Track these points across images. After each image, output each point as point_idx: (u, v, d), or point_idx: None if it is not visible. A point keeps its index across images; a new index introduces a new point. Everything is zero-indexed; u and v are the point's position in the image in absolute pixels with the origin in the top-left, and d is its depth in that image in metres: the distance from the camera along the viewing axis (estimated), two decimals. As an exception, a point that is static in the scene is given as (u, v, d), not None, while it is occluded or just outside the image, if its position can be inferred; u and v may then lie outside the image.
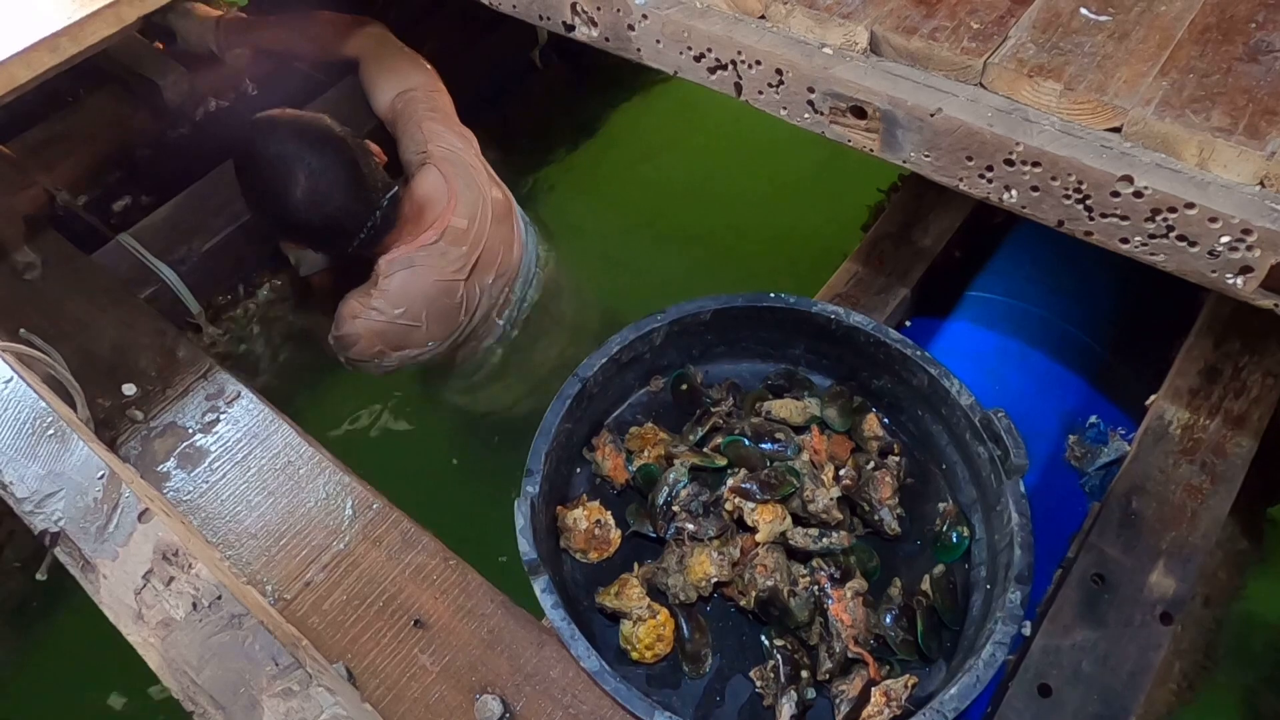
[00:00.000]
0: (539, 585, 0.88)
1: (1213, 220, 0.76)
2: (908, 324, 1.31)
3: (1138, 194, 0.79)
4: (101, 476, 0.78)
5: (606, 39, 1.08)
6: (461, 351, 1.53)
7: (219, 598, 0.69)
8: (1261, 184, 0.77)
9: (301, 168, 1.26)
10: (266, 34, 1.61)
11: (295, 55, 1.65)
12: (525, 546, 0.90)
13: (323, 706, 0.63)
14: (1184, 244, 0.79)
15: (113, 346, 1.18)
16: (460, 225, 1.42)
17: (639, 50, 1.06)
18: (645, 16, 1.02)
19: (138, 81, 1.72)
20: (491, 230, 1.46)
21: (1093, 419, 1.16)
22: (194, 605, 0.69)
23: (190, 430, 1.09)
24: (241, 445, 1.07)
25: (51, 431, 0.83)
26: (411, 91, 1.51)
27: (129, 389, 1.13)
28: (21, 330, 1.12)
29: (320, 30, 1.58)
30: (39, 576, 0.97)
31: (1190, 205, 0.77)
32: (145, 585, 0.71)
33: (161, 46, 1.84)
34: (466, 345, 1.52)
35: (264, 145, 1.30)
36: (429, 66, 1.57)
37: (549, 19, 1.13)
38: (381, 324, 1.39)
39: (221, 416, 1.10)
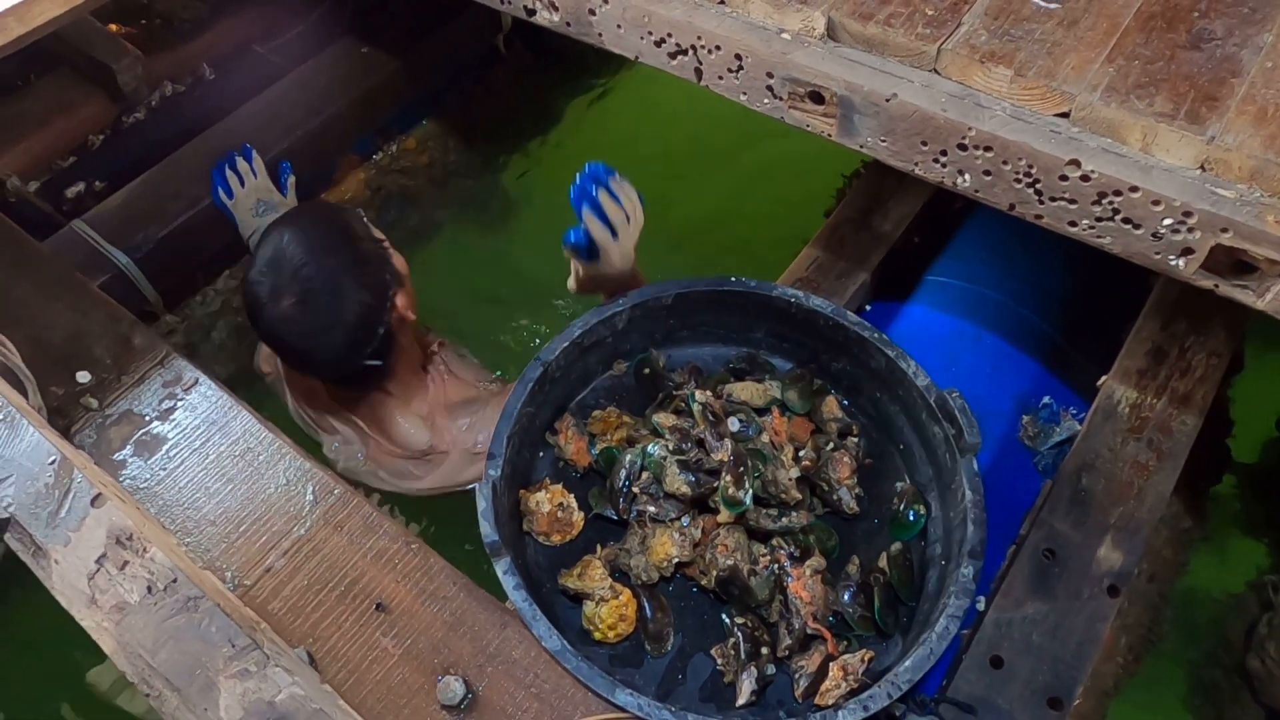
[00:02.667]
0: (501, 567, 0.89)
1: (1155, 203, 0.78)
2: (867, 308, 1.33)
3: (1085, 178, 0.81)
4: (53, 462, 0.76)
5: (568, 23, 1.08)
6: None
7: (174, 580, 0.68)
8: (1202, 168, 0.79)
9: (296, 289, 1.08)
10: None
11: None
12: (487, 529, 0.91)
13: (280, 686, 0.63)
14: (1129, 226, 0.81)
15: (66, 334, 1.15)
16: (387, 477, 1.31)
17: (600, 35, 1.07)
18: (606, 1, 1.02)
19: (91, 65, 1.69)
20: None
21: (1045, 399, 1.19)
22: (149, 589, 0.68)
23: (147, 418, 1.07)
24: (200, 432, 1.06)
25: (1, 417, 0.81)
26: None
27: (83, 377, 1.11)
28: (-30, 317, 1.10)
29: None
30: (-9, 567, 0.95)
31: (1134, 189, 0.79)
32: (99, 570, 0.70)
33: (116, 29, 1.80)
34: None
35: (288, 236, 1.10)
36: None
37: (510, 3, 1.13)
38: (284, 375, 1.35)
39: (179, 404, 1.08)
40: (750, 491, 0.95)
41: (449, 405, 1.30)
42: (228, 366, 1.64)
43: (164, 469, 1.03)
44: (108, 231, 1.53)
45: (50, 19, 1.18)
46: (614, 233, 1.08)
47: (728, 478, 0.95)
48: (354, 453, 1.33)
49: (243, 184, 1.61)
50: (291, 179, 1.67)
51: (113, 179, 1.64)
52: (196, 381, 1.10)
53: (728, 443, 0.98)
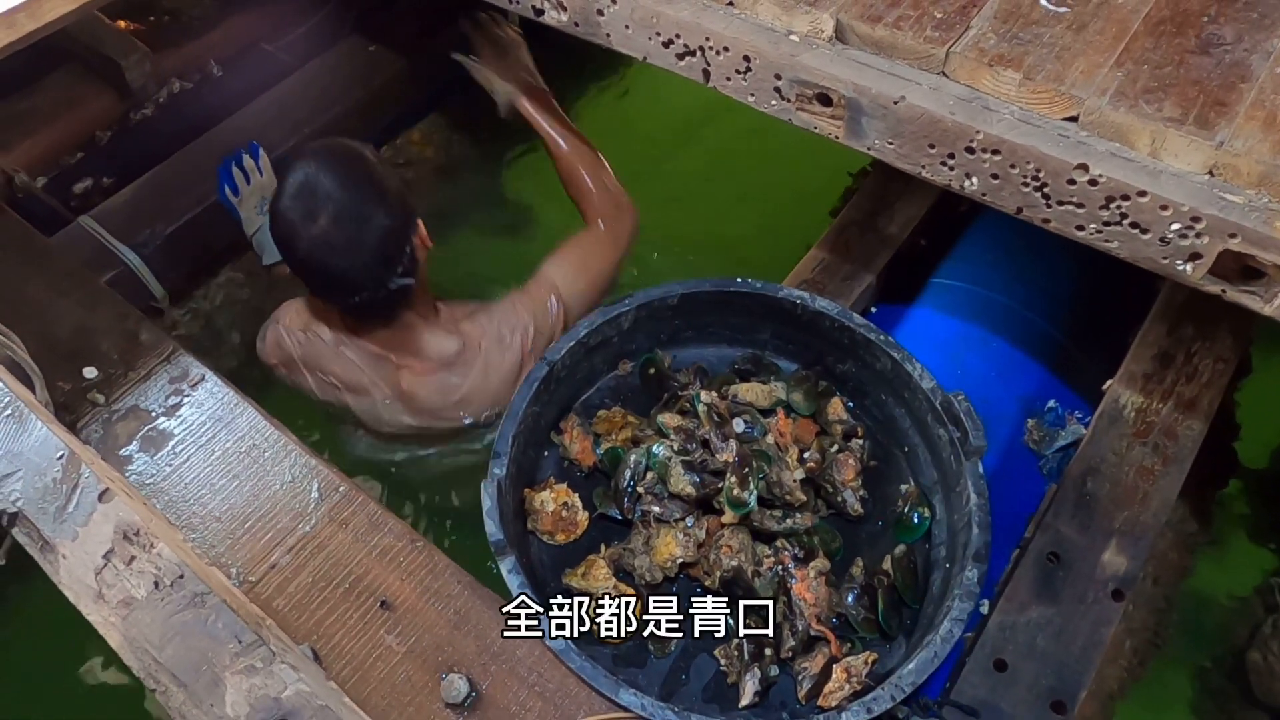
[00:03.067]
0: (505, 566, 0.89)
1: (1164, 208, 0.78)
2: (873, 310, 1.33)
3: (1093, 182, 0.81)
4: (61, 457, 0.77)
5: (576, 24, 1.09)
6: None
7: (181, 576, 0.69)
8: (1210, 173, 0.79)
9: (330, 210, 1.12)
10: (554, 124, 1.49)
11: (554, 156, 1.50)
12: (492, 527, 0.91)
13: (286, 683, 0.63)
14: (1136, 231, 0.81)
15: (73, 330, 1.16)
16: (430, 400, 1.30)
17: (608, 35, 1.07)
18: (614, 2, 1.03)
19: (99, 61, 1.69)
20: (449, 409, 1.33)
21: (1051, 403, 1.19)
22: (155, 584, 0.69)
23: (153, 413, 1.08)
24: (206, 428, 1.06)
25: (9, 412, 0.82)
26: (550, 278, 1.34)
27: (90, 372, 1.11)
28: (-22, 312, 1.10)
29: (582, 170, 1.45)
30: (-2, 561, 0.95)
31: (1142, 193, 0.79)
32: (106, 565, 0.71)
33: (125, 25, 1.81)
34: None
35: (314, 165, 1.14)
36: (602, 283, 1.39)
37: (518, 3, 1.13)
38: (296, 355, 1.33)
39: (185, 400, 1.09)
40: (755, 493, 0.96)
41: (464, 316, 1.33)
42: (233, 361, 1.64)
43: (170, 465, 1.03)
44: (115, 227, 1.53)
45: (61, 15, 1.18)
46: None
47: (732, 479, 0.96)
48: (392, 409, 1.32)
49: (249, 181, 1.61)
50: None
51: (120, 175, 1.64)
52: (203, 378, 1.11)
53: (732, 444, 0.98)
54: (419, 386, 1.30)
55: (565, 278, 1.32)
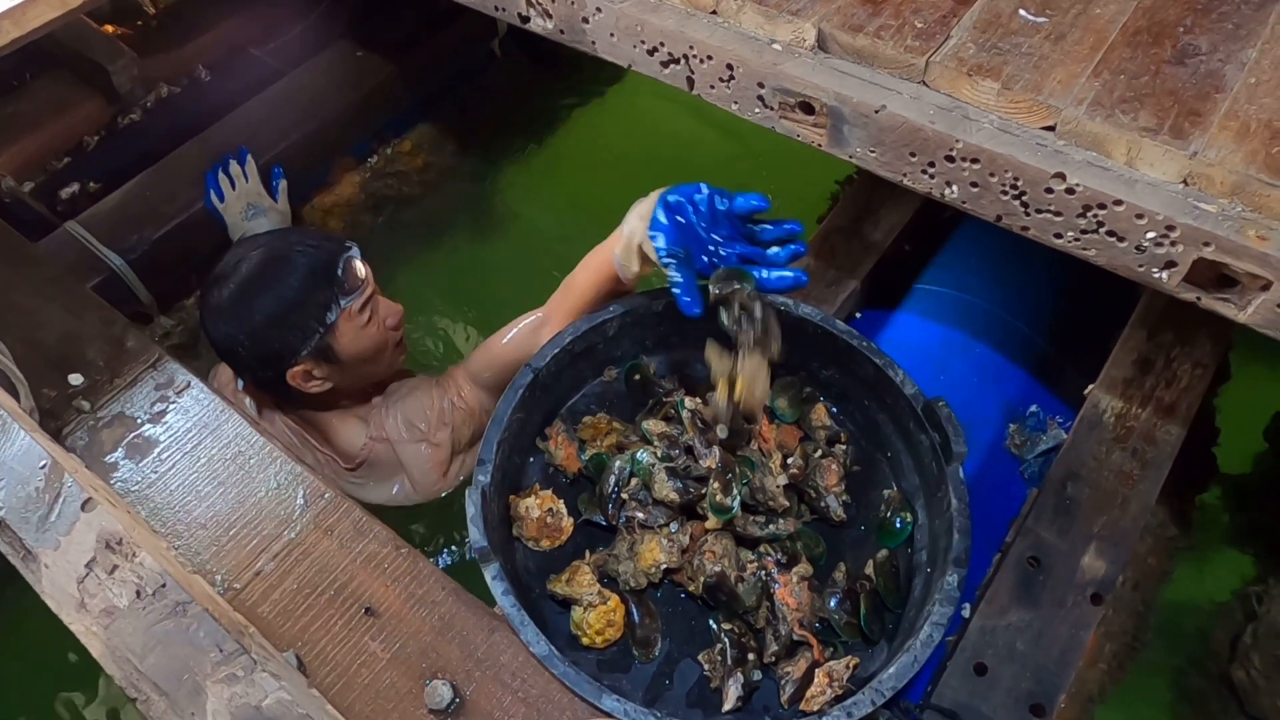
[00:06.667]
0: (489, 573, 0.89)
1: (1139, 217, 0.79)
2: (858, 316, 1.33)
3: (1070, 190, 0.82)
4: (44, 466, 0.77)
5: (561, 31, 1.09)
6: None
7: (163, 585, 0.69)
8: (1185, 182, 0.80)
9: (234, 287, 1.16)
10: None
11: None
12: (476, 534, 0.91)
13: (267, 691, 0.63)
14: (1113, 239, 0.82)
15: (59, 336, 1.16)
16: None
17: (593, 43, 1.07)
18: (599, 10, 1.03)
19: (87, 66, 1.69)
20: None
21: (1033, 408, 1.20)
22: (138, 593, 0.69)
23: (139, 420, 1.08)
24: (191, 435, 1.06)
25: (-8, 420, 0.82)
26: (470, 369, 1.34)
27: (75, 379, 1.11)
28: (-37, 319, 1.10)
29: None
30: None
31: (1119, 202, 0.80)
32: (88, 574, 0.71)
33: (111, 30, 1.80)
34: None
35: (252, 248, 1.19)
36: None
37: (504, 10, 1.14)
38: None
39: (171, 406, 1.09)
40: (738, 498, 0.96)
41: (384, 405, 1.34)
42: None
43: (155, 472, 1.03)
44: (102, 233, 1.54)
45: (45, 22, 1.19)
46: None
47: (716, 485, 0.96)
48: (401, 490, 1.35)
49: (234, 187, 1.61)
50: (283, 183, 1.68)
51: (107, 180, 1.64)
52: (189, 384, 1.10)
53: (716, 450, 0.99)
54: (340, 478, 1.35)
55: (480, 365, 1.30)
